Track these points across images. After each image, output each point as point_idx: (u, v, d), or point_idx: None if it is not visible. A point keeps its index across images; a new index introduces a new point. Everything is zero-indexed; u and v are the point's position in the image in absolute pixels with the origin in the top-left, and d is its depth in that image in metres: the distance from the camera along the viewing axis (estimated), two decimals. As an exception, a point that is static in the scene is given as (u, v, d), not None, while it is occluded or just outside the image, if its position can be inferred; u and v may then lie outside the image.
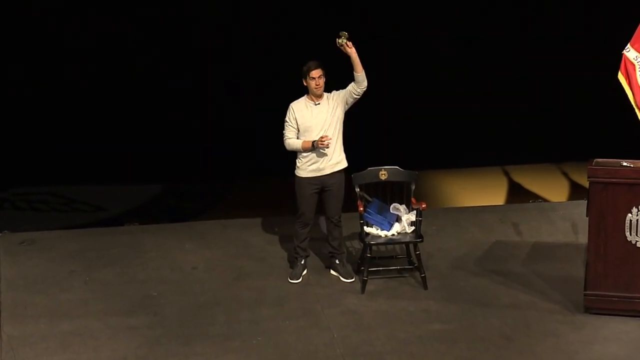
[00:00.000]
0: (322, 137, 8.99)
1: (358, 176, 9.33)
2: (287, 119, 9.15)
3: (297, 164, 9.23)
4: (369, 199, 9.46)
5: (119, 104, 13.23)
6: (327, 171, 9.18)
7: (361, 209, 9.17)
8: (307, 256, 9.51)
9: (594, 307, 8.63)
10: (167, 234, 10.52)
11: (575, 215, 10.51)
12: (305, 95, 9.16)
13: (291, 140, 9.15)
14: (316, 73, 9.00)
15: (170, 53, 13.29)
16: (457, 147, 13.39)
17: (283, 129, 9.19)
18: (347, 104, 9.16)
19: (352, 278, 9.39)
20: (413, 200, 9.31)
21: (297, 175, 9.25)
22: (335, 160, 9.19)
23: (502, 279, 9.34)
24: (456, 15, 13.53)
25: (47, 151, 12.94)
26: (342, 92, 9.16)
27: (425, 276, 9.19)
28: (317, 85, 9.03)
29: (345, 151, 9.27)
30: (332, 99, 9.14)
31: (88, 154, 13.03)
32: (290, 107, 9.15)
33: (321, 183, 9.22)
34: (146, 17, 13.20)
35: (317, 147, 9.03)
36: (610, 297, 8.55)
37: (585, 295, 8.64)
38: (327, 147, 9.04)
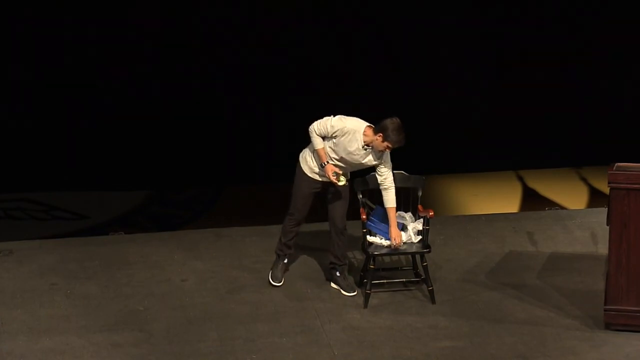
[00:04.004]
0: (332, 170, 8.93)
1: (360, 181, 9.32)
2: (332, 124, 8.91)
3: (307, 157, 9.15)
4: (372, 206, 9.43)
5: (103, 103, 13.20)
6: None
7: (364, 216, 9.19)
8: (290, 254, 9.49)
9: (615, 323, 8.63)
10: (155, 243, 10.48)
11: (595, 224, 10.51)
12: (363, 130, 8.94)
13: (317, 139, 8.96)
14: (393, 146, 8.92)
15: (155, 54, 13.28)
16: (467, 150, 13.36)
17: (316, 123, 9.02)
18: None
19: (354, 291, 9.38)
20: (420, 207, 9.33)
21: (300, 166, 9.18)
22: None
23: (516, 293, 9.34)
24: (466, 15, 13.54)
25: (23, 154, 12.89)
26: (386, 161, 9.08)
27: (433, 289, 9.20)
28: (382, 150, 8.93)
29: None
30: (378, 157, 9.01)
31: (68, 157, 12.99)
32: (345, 124, 8.91)
33: (323, 185, 9.18)
34: (138, 18, 13.23)
35: (323, 168, 8.99)
36: (633, 313, 8.54)
37: (605, 310, 8.64)
38: (330, 180, 8.99)
